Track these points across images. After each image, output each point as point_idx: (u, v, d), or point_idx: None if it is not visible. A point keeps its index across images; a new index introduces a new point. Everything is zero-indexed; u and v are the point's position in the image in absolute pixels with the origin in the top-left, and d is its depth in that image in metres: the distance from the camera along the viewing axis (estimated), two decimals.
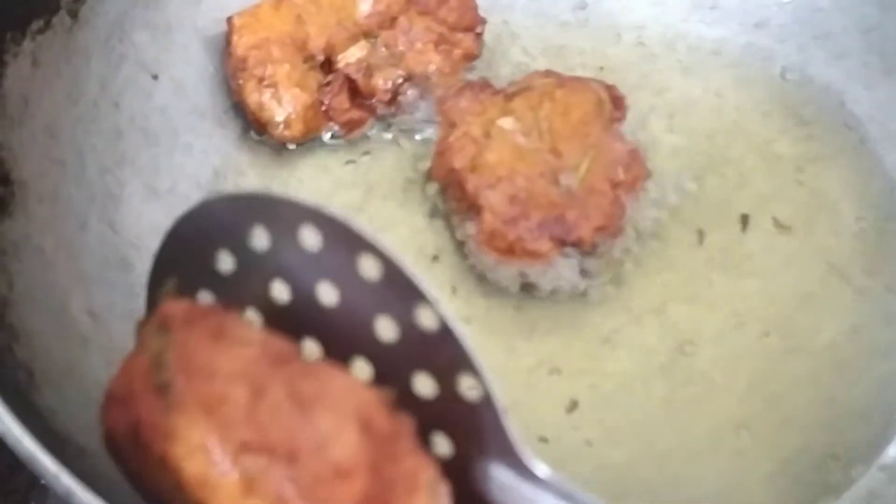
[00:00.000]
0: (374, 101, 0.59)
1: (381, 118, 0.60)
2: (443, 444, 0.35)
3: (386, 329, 0.35)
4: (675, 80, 0.62)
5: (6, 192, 0.48)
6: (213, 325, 0.35)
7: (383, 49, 0.60)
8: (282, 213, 0.35)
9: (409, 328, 0.34)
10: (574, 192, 0.54)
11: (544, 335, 0.53)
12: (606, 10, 0.64)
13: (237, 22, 0.60)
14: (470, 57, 0.62)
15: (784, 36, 0.62)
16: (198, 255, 0.37)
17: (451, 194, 0.56)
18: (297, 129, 0.59)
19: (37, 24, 0.52)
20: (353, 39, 0.60)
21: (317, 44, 0.60)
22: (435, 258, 0.56)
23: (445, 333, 0.34)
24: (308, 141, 0.59)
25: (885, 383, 0.50)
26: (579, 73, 0.61)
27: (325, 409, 0.33)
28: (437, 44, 0.61)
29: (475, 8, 0.62)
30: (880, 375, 0.51)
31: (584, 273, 0.54)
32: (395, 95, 0.60)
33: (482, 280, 0.55)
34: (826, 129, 0.59)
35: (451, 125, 0.57)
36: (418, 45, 0.60)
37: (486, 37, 0.62)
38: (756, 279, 0.54)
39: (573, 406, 0.51)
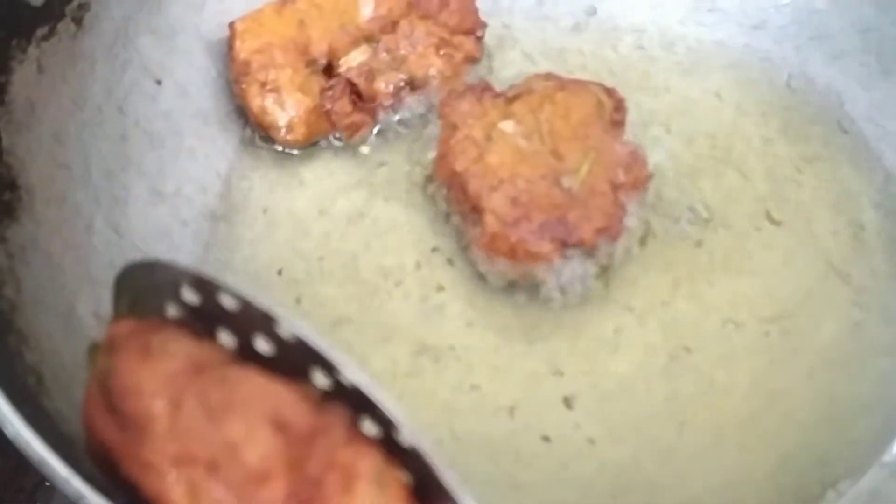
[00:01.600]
0: (376, 104, 0.60)
1: (383, 122, 0.61)
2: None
3: (319, 378, 0.34)
4: (674, 81, 0.63)
5: (13, 196, 0.49)
6: (142, 342, 0.35)
7: (385, 53, 0.61)
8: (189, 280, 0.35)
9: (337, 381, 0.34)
10: (575, 194, 0.54)
11: (546, 336, 0.54)
12: (606, 14, 0.65)
13: (240, 27, 0.60)
14: (471, 60, 0.62)
15: (782, 37, 0.63)
16: (149, 299, 0.37)
17: (453, 197, 0.57)
18: (299, 132, 0.59)
19: (42, 31, 0.52)
20: (355, 44, 0.61)
21: (319, 48, 0.60)
22: (438, 260, 0.57)
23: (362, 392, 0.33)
24: (311, 145, 0.60)
25: (885, 381, 0.51)
26: (580, 76, 0.62)
27: (234, 415, 0.33)
28: (438, 47, 0.61)
29: (476, 12, 0.62)
30: (880, 373, 0.51)
31: (585, 275, 0.54)
32: (396, 99, 0.60)
33: (485, 282, 0.55)
34: (824, 129, 0.60)
35: (453, 128, 0.57)
36: (419, 49, 0.61)
37: (487, 40, 0.63)
38: (756, 279, 0.55)
39: (575, 405, 0.52)
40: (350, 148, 0.60)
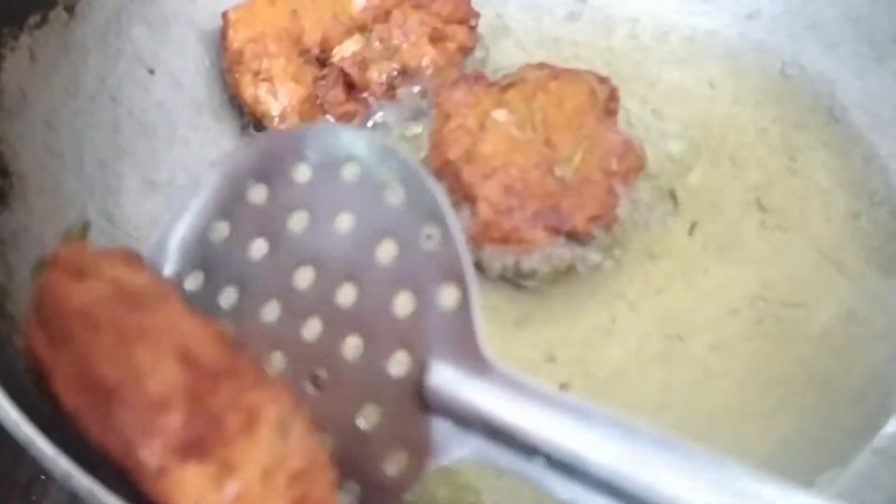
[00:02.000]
0: (368, 94, 0.60)
1: (375, 112, 0.60)
2: (401, 362, 0.37)
3: (387, 251, 0.37)
4: (668, 71, 0.63)
5: (5, 183, 0.49)
6: (77, 263, 0.36)
7: (378, 43, 0.61)
8: (330, 147, 0.39)
9: (408, 247, 0.37)
10: (568, 183, 0.54)
11: (540, 324, 0.54)
12: (600, 3, 0.65)
13: (233, 16, 0.60)
14: (464, 50, 0.62)
15: (776, 27, 0.63)
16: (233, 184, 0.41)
17: (447, 185, 0.56)
18: (292, 121, 0.59)
19: (34, 19, 0.52)
20: (348, 33, 0.61)
21: (312, 38, 0.60)
22: None
23: (445, 249, 0.36)
24: None
25: (878, 368, 0.51)
26: (573, 65, 0.62)
27: (144, 343, 0.34)
28: (431, 37, 0.61)
29: (469, 1, 0.62)
30: (874, 360, 0.51)
31: (579, 263, 0.54)
32: (389, 88, 0.60)
33: (478, 269, 0.55)
34: (818, 118, 0.60)
35: (446, 117, 0.57)
36: (412, 39, 0.61)
37: (481, 30, 0.63)
38: (750, 267, 0.55)
39: (568, 393, 0.52)
40: None
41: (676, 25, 0.64)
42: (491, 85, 0.58)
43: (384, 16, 0.61)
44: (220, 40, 0.60)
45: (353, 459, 0.36)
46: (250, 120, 0.60)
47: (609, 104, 0.57)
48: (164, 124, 0.58)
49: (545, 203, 0.53)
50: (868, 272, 0.54)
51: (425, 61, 0.61)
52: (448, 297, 0.36)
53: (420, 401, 0.36)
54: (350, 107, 0.60)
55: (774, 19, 0.63)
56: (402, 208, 0.37)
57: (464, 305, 0.36)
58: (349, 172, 0.38)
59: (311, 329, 0.38)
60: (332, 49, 0.60)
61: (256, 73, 0.59)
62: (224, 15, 0.60)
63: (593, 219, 0.53)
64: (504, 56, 0.63)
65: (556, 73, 0.58)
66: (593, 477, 0.32)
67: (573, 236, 0.53)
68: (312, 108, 0.59)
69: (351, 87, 0.60)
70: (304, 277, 0.39)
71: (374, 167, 0.38)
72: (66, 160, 0.52)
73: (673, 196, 0.57)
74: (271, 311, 0.39)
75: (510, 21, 0.65)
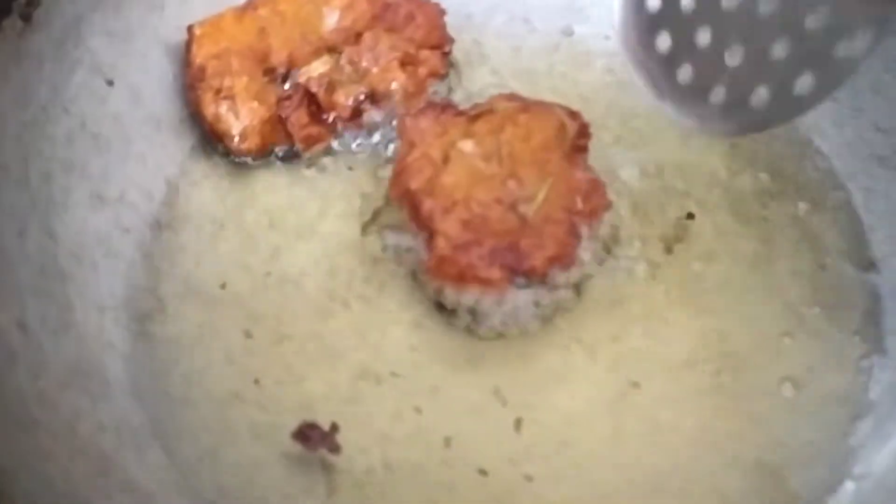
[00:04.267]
0: (334, 117, 0.58)
1: (341, 135, 0.59)
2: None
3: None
4: (643, 108, 0.61)
5: None
6: None
7: (347, 65, 0.59)
8: None
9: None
10: (530, 221, 0.52)
11: (492, 365, 0.52)
12: (579, 36, 0.64)
13: (198, 31, 0.59)
14: (436, 76, 0.61)
15: None
16: None
17: (407, 216, 0.55)
18: (253, 142, 0.58)
19: None
20: (317, 54, 0.59)
21: (278, 57, 0.59)
22: (385, 281, 0.55)
23: None
24: (265, 155, 0.58)
25: (831, 431, 0.49)
26: (548, 97, 0.60)
27: None
28: (402, 61, 0.60)
29: (443, 27, 0.61)
30: (828, 422, 0.49)
31: (536, 305, 0.52)
32: (356, 112, 0.59)
33: (433, 305, 0.53)
34: (793, 165, 0.58)
35: (411, 145, 0.56)
36: (383, 63, 0.59)
37: (456, 56, 0.61)
38: (712, 317, 0.53)
39: (515, 439, 0.50)
40: (305, 160, 0.58)
41: None
42: (459, 114, 0.57)
43: (355, 38, 0.60)
44: (184, 55, 0.59)
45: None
46: (209, 138, 0.58)
47: (579, 140, 0.56)
48: (118, 138, 0.56)
49: (503, 240, 0.52)
50: (830, 330, 0.52)
51: (394, 86, 0.59)
52: None
53: None
54: (314, 129, 0.58)
55: None
56: None
57: None
58: None
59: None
60: (299, 69, 0.59)
61: (218, 91, 0.58)
62: (189, 29, 0.59)
63: (552, 259, 0.52)
64: (477, 84, 0.62)
65: (526, 106, 0.57)
66: None
67: (531, 276, 0.52)
68: (274, 128, 0.58)
69: (317, 108, 0.58)
70: None
71: None
72: (11, 172, 0.51)
73: (639, 239, 0.56)
74: None
75: (487, 48, 0.63)
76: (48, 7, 0.54)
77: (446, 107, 0.57)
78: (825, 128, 0.58)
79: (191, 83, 0.58)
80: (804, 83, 0.43)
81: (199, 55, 0.58)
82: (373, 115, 0.59)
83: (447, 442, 0.50)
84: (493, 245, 0.51)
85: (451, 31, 0.61)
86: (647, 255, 0.55)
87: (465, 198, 0.53)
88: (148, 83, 0.59)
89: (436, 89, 0.60)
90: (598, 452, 0.49)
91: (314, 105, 0.59)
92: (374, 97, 0.59)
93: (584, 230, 0.53)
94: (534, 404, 0.51)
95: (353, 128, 0.59)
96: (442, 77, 0.61)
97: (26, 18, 0.53)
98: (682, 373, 0.51)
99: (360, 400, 0.51)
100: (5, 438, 0.42)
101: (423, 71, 0.60)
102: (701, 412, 0.50)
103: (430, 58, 0.61)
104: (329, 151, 0.59)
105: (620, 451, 0.49)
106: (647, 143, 0.60)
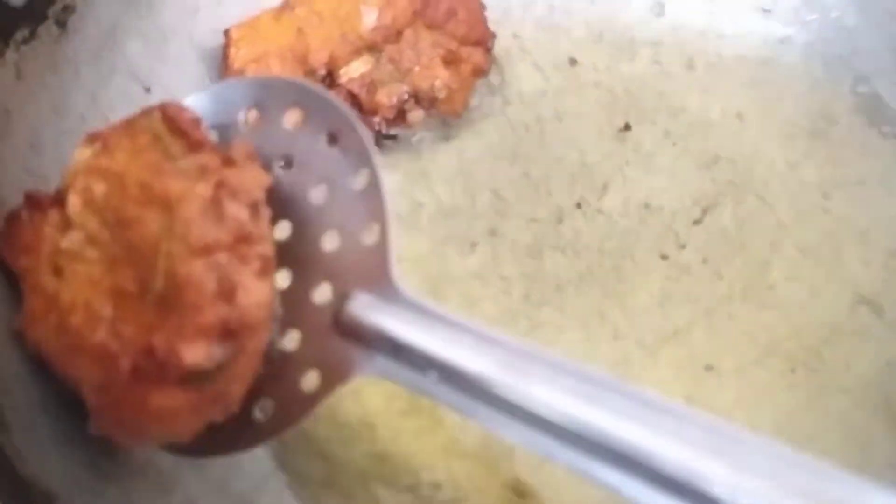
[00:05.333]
0: (377, 118, 0.57)
1: (385, 136, 0.57)
2: (325, 291, 0.39)
3: (320, 193, 0.40)
4: (692, 100, 0.59)
5: None
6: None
7: (388, 64, 0.58)
8: (274, 95, 0.42)
9: (340, 190, 0.40)
10: (166, 299, 0.36)
11: None
12: (622, 26, 0.62)
13: (235, 34, 0.57)
14: (479, 73, 0.59)
15: (809, 54, 0.60)
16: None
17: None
18: None
19: (21, 34, 0.49)
20: (357, 53, 0.58)
21: (318, 57, 0.57)
22: (437, 285, 0.53)
23: (371, 192, 0.39)
24: None
25: None
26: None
27: None
28: (444, 59, 0.58)
29: (485, 22, 0.59)
30: None
31: None
32: (400, 112, 0.57)
33: None
34: (853, 152, 0.56)
35: (23, 280, 0.41)
36: (425, 60, 0.58)
37: (496, 51, 0.60)
38: (780, 312, 0.51)
39: None
40: None
41: (702, 51, 0.61)
42: (49, 203, 0.42)
43: (395, 36, 0.58)
44: (222, 59, 0.57)
45: (271, 377, 0.39)
46: None
47: (180, 141, 0.40)
48: None
49: (143, 357, 0.36)
50: None
51: (438, 84, 0.57)
52: (370, 234, 0.39)
53: (337, 325, 0.38)
54: None
55: (807, 46, 0.60)
56: (336, 153, 0.40)
57: (382, 241, 0.39)
58: (292, 119, 0.42)
59: None
60: (339, 69, 0.57)
61: None
62: (226, 32, 0.57)
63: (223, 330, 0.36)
64: (521, 80, 0.60)
65: (105, 141, 0.41)
66: (472, 386, 0.35)
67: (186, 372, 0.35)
68: None
69: (359, 110, 0.57)
70: None
71: (314, 114, 0.41)
72: (50, 183, 0.49)
73: (697, 235, 0.54)
74: None
75: (527, 42, 0.61)
76: (83, 13, 0.53)
77: (34, 204, 0.42)
78: (886, 112, 0.57)
79: None
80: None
81: (238, 58, 0.56)
82: (416, 114, 0.58)
83: None
84: (131, 365, 0.36)
85: (491, 25, 0.59)
86: (707, 250, 0.53)
87: (90, 321, 0.38)
88: (184, 88, 0.57)
89: (479, 86, 0.59)
90: None
91: (356, 106, 0.57)
92: (417, 96, 0.57)
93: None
94: None
95: (397, 128, 0.58)
96: (485, 73, 0.59)
97: (62, 24, 0.52)
98: (752, 370, 0.50)
99: None
100: (61, 459, 0.40)
101: (466, 68, 0.58)
102: (776, 410, 0.48)
103: (473, 54, 0.59)
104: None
105: None
106: (697, 135, 0.58)
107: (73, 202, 0.41)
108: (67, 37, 0.52)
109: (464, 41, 0.59)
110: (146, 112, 0.41)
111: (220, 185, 0.38)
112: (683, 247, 0.53)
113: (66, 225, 0.41)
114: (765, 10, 0.62)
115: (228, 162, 0.39)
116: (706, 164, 0.57)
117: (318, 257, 0.40)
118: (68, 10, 0.52)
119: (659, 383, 0.50)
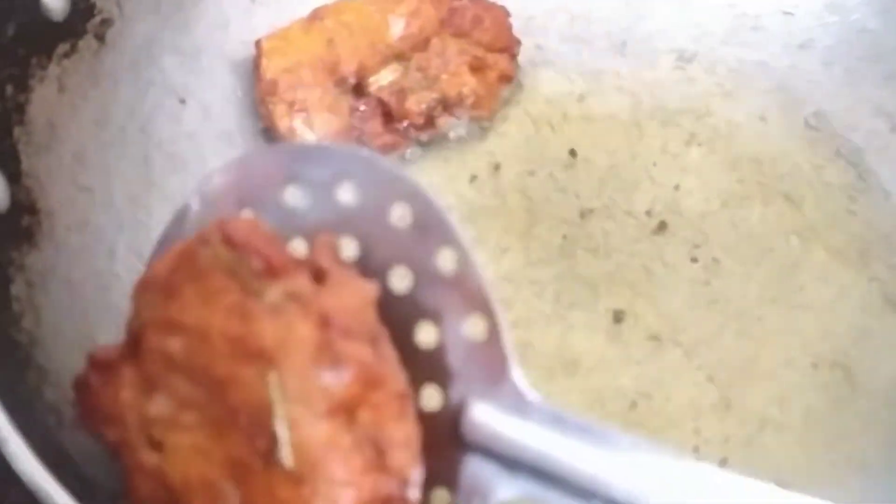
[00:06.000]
0: (407, 125, 0.58)
1: (415, 143, 0.58)
2: (432, 398, 0.34)
3: (401, 280, 0.34)
4: (716, 104, 0.60)
5: (33, 220, 0.46)
6: None
7: (416, 72, 0.59)
8: (320, 165, 0.35)
9: (424, 274, 0.34)
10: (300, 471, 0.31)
11: (588, 371, 0.51)
12: (644, 34, 0.63)
13: (266, 45, 0.58)
14: (505, 79, 0.60)
15: (830, 57, 0.60)
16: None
17: None
18: None
19: (63, 48, 0.50)
20: (385, 62, 0.59)
21: (348, 67, 0.58)
22: None
23: (465, 275, 0.33)
24: None
25: None
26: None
27: None
28: (471, 66, 0.59)
29: (510, 29, 0.60)
30: None
31: None
32: (429, 119, 0.58)
33: None
34: (877, 155, 0.57)
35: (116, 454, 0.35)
36: (452, 68, 0.59)
37: (520, 60, 0.61)
38: (809, 313, 0.52)
39: None
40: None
41: (724, 56, 0.62)
42: (121, 362, 0.35)
43: (423, 44, 0.59)
44: (254, 70, 0.58)
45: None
46: None
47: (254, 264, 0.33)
48: (194, 156, 0.56)
49: None
50: None
51: (466, 91, 0.58)
52: (475, 327, 0.33)
53: (460, 439, 0.33)
54: (388, 138, 0.58)
55: (828, 50, 0.61)
56: (410, 231, 0.34)
57: (493, 337, 0.33)
58: (346, 194, 0.35)
59: None
60: (368, 78, 0.58)
61: (291, 104, 0.57)
62: (257, 44, 0.58)
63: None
64: (545, 85, 0.61)
65: (167, 289, 0.34)
66: None
67: None
68: (349, 139, 0.57)
69: (389, 117, 0.58)
70: None
71: (373, 187, 0.34)
72: (96, 195, 0.50)
73: (727, 236, 0.55)
74: None
75: (550, 53, 0.62)
76: (120, 28, 0.54)
77: (100, 363, 0.36)
78: None
79: (262, 98, 0.57)
80: None
81: (270, 69, 0.57)
82: (445, 120, 0.59)
83: None
84: None
85: (515, 34, 0.60)
86: (737, 253, 0.54)
87: (208, 498, 0.32)
88: (218, 100, 0.59)
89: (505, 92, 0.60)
90: (709, 454, 0.48)
91: (386, 114, 0.58)
92: (445, 103, 0.58)
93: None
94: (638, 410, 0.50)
95: (427, 134, 0.59)
96: (511, 80, 0.61)
97: (101, 38, 0.53)
98: (782, 372, 0.50)
99: None
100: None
101: (492, 74, 0.60)
102: (807, 410, 0.49)
103: (500, 61, 0.60)
104: (404, 160, 0.58)
105: (731, 452, 0.48)
106: (722, 138, 0.59)
107: (151, 361, 0.33)
108: (106, 50, 0.53)
109: (490, 48, 0.60)
110: (203, 238, 0.33)
111: (325, 324, 0.30)
112: (713, 248, 0.54)
113: (149, 386, 0.33)
114: (786, 13, 0.62)
115: (320, 276, 0.32)
116: (732, 164, 0.58)
117: (417, 355, 0.33)
118: (106, 23, 0.53)
119: (693, 385, 0.50)
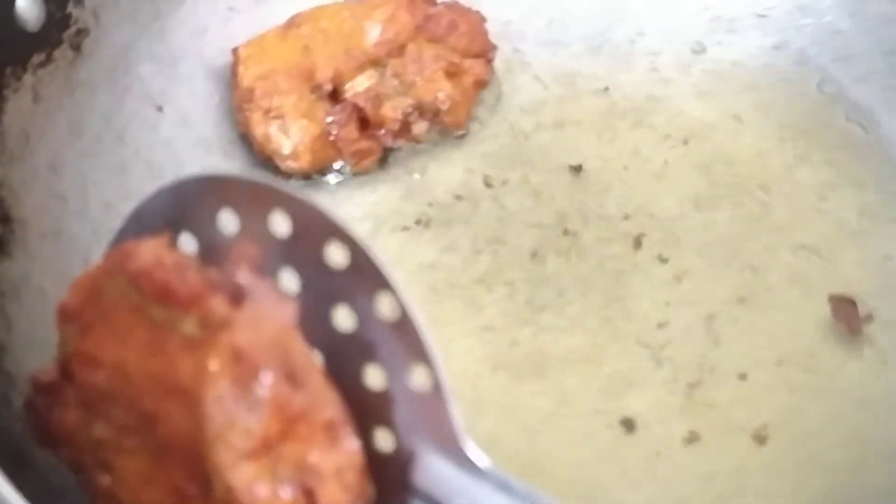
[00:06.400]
0: (383, 131, 0.58)
1: (391, 149, 0.59)
2: (385, 439, 0.33)
3: (344, 319, 0.33)
4: (690, 104, 0.61)
5: (6, 230, 0.47)
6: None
7: (392, 78, 0.59)
8: (253, 198, 0.33)
9: (367, 318, 0.33)
10: None
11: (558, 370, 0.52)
12: (620, 36, 0.63)
13: (243, 52, 0.59)
14: (481, 84, 0.60)
15: (803, 58, 0.61)
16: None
17: None
18: (304, 160, 0.58)
19: (38, 58, 0.51)
20: (361, 69, 0.59)
21: (324, 73, 0.59)
22: (443, 293, 0.55)
23: (403, 323, 0.32)
24: (316, 173, 0.58)
25: None
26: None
27: None
28: (447, 71, 0.59)
29: (486, 34, 0.61)
30: None
31: None
32: (405, 125, 0.59)
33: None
34: (848, 155, 0.58)
35: None
36: (428, 74, 0.59)
37: (497, 64, 0.61)
38: (777, 313, 0.52)
39: None
40: (356, 177, 0.58)
41: (698, 57, 0.62)
42: (61, 383, 0.35)
43: (398, 50, 0.60)
44: (231, 77, 0.59)
45: None
46: (260, 158, 0.58)
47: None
48: (171, 163, 0.57)
49: None
50: None
51: (441, 96, 0.59)
52: (419, 377, 0.32)
53: (412, 489, 0.33)
54: (364, 144, 0.58)
55: (802, 51, 0.61)
56: (348, 272, 0.32)
57: (436, 391, 0.32)
58: (280, 227, 0.33)
59: None
60: (344, 85, 0.59)
61: (267, 111, 0.58)
62: (235, 51, 0.59)
63: None
64: (521, 90, 0.62)
65: (81, 325, 0.34)
66: None
67: None
68: (325, 145, 0.58)
69: (365, 123, 0.58)
70: None
71: (307, 226, 0.33)
72: (70, 203, 0.51)
73: (695, 237, 0.55)
74: None
75: (527, 55, 0.63)
76: (97, 37, 0.55)
77: (40, 386, 0.36)
78: (880, 116, 0.58)
79: (239, 104, 0.58)
80: None
81: (246, 76, 0.58)
82: (421, 126, 0.59)
83: None
84: None
85: (491, 38, 0.61)
86: (705, 252, 0.55)
87: None
88: (195, 107, 0.59)
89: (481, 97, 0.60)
90: (673, 457, 0.49)
91: (362, 120, 0.58)
92: (421, 109, 0.59)
93: None
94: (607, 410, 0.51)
95: (403, 141, 0.59)
96: (486, 85, 0.61)
97: (76, 48, 0.53)
98: (750, 371, 0.51)
99: None
100: None
101: (468, 79, 0.60)
102: (773, 413, 0.49)
103: (475, 66, 0.60)
104: (379, 166, 0.59)
105: (696, 452, 0.49)
106: (695, 138, 0.59)
107: (82, 389, 0.33)
108: (82, 59, 0.54)
109: (465, 54, 0.60)
110: (107, 270, 0.33)
111: (237, 358, 0.29)
112: (683, 250, 0.55)
113: (90, 409, 0.33)
114: (760, 16, 0.63)
115: (237, 298, 0.31)
116: (705, 166, 0.58)
117: (368, 395, 0.33)
118: (82, 33, 0.54)
119: (662, 385, 0.51)
